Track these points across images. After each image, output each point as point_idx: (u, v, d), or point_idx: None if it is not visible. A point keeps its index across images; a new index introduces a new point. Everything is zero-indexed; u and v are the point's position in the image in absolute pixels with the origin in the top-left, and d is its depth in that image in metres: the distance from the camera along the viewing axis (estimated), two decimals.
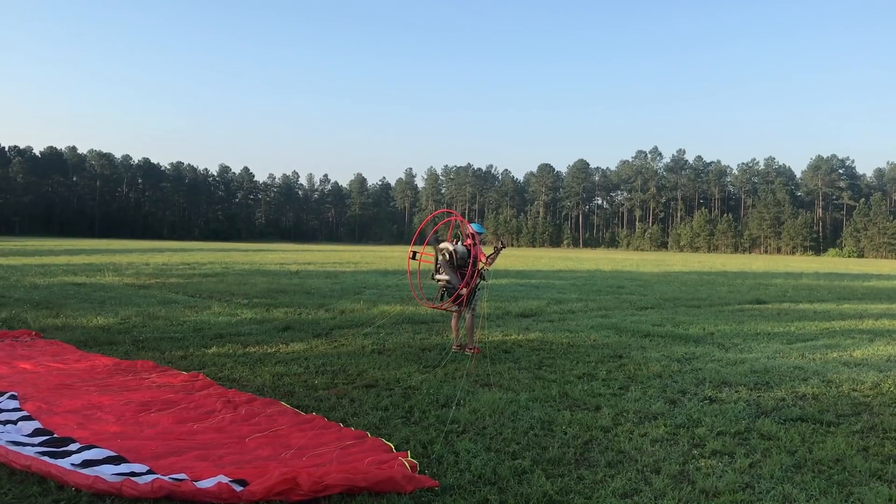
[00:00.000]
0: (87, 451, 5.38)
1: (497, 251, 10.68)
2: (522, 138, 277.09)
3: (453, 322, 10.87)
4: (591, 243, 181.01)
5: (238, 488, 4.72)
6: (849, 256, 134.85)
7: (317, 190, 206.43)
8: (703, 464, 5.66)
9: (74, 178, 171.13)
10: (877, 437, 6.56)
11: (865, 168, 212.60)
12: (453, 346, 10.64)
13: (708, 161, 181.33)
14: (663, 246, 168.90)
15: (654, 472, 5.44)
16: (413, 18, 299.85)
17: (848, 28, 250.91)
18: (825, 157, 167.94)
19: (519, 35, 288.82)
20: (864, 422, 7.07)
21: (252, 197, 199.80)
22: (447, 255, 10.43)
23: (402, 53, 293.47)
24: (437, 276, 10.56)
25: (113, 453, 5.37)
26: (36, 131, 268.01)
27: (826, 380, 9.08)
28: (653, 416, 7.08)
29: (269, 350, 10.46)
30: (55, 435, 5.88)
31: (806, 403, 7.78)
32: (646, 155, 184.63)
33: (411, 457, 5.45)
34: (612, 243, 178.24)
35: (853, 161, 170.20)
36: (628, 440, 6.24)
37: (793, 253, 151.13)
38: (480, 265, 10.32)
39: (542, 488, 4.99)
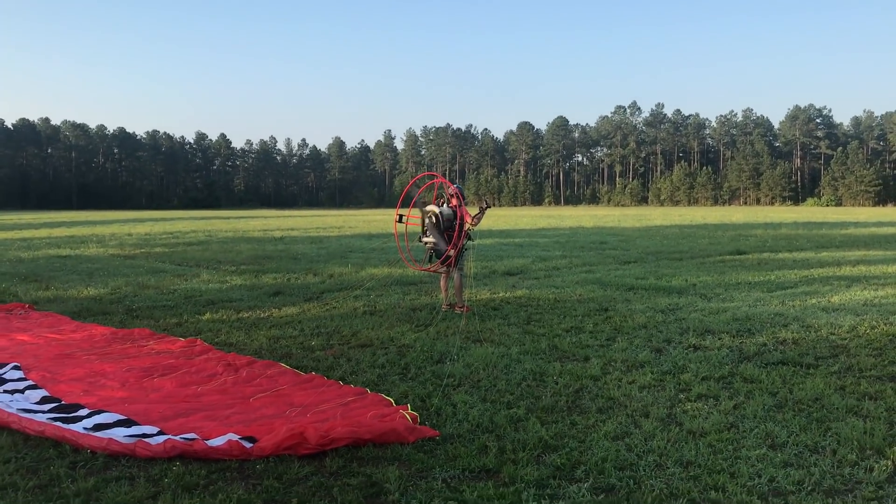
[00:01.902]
0: (97, 416, 5.55)
1: (482, 211, 10.86)
2: (501, 97, 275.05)
3: (442, 282, 11.07)
4: (573, 200, 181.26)
5: (248, 445, 4.91)
6: (827, 205, 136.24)
7: (295, 155, 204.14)
8: (689, 407, 5.92)
9: (49, 150, 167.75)
10: (853, 376, 6.87)
11: (843, 117, 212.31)
12: (443, 306, 10.85)
13: (686, 114, 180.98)
14: (644, 201, 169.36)
15: (643, 416, 5.70)
16: None
17: None
18: (802, 106, 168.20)
19: None
20: (841, 363, 7.38)
21: (230, 164, 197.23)
22: (434, 218, 10.59)
23: (378, 15, 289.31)
24: (425, 239, 10.73)
25: (122, 417, 5.54)
26: (6, 103, 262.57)
27: (805, 325, 9.40)
28: (640, 365, 7.34)
29: (262, 315, 10.63)
30: (63, 402, 6.03)
31: (786, 348, 8.09)
32: (625, 110, 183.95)
33: (411, 409, 5.67)
34: (594, 200, 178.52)
35: (830, 110, 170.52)
36: (617, 387, 6.50)
37: (772, 203, 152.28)
38: (467, 225, 10.50)
39: (538, 434, 5.23)
